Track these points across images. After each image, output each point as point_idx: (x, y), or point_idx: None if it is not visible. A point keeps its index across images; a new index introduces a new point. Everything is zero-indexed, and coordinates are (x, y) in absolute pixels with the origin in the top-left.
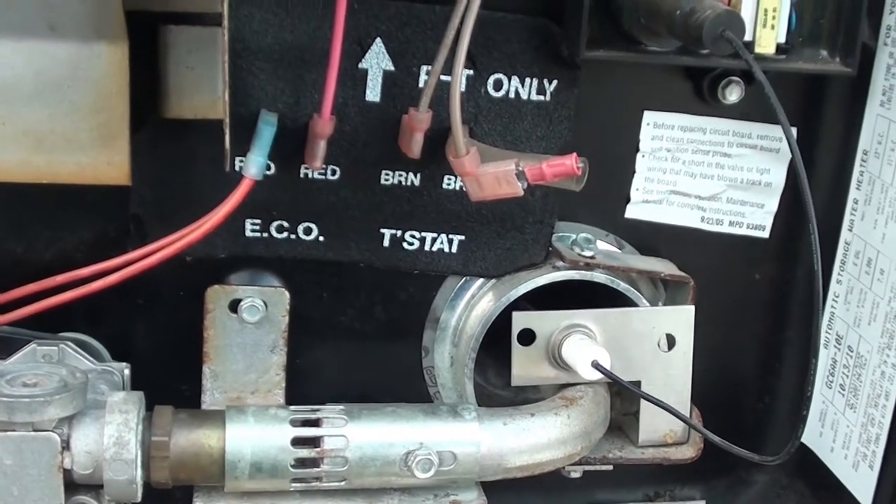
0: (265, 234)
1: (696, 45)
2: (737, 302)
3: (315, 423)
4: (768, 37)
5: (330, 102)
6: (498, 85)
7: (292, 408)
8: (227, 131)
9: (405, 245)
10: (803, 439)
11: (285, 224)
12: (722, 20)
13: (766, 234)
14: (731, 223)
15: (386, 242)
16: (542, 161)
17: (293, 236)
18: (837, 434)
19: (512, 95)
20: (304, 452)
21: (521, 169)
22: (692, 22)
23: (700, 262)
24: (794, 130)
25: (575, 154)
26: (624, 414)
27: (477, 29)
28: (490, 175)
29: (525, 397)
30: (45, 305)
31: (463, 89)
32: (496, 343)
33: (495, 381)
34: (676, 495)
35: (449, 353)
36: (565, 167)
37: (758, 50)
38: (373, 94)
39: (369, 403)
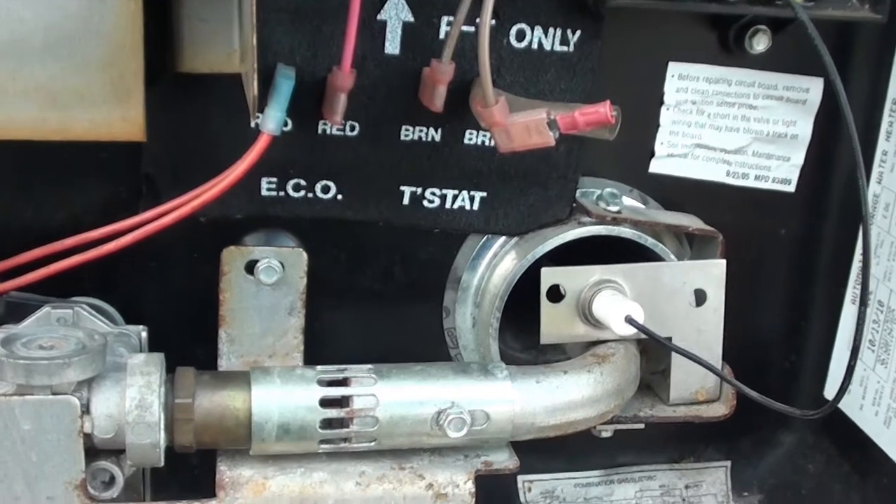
0: (282, 193)
1: None
2: (762, 258)
3: (343, 382)
4: None
5: (350, 54)
6: (521, 35)
7: (319, 368)
8: (255, 78)
9: (425, 203)
10: (830, 397)
11: (302, 182)
12: None
13: (791, 189)
14: (756, 177)
15: (406, 200)
16: (574, 109)
17: (310, 195)
18: (867, 391)
19: (535, 46)
20: (333, 413)
21: (552, 118)
22: None
23: (725, 218)
24: (821, 81)
25: (608, 101)
26: (651, 373)
27: None
28: (520, 125)
29: (546, 360)
30: (55, 269)
31: None
32: (513, 305)
33: (514, 345)
34: (701, 457)
35: (471, 314)
36: (599, 115)
37: None
38: (392, 46)
39: (396, 363)
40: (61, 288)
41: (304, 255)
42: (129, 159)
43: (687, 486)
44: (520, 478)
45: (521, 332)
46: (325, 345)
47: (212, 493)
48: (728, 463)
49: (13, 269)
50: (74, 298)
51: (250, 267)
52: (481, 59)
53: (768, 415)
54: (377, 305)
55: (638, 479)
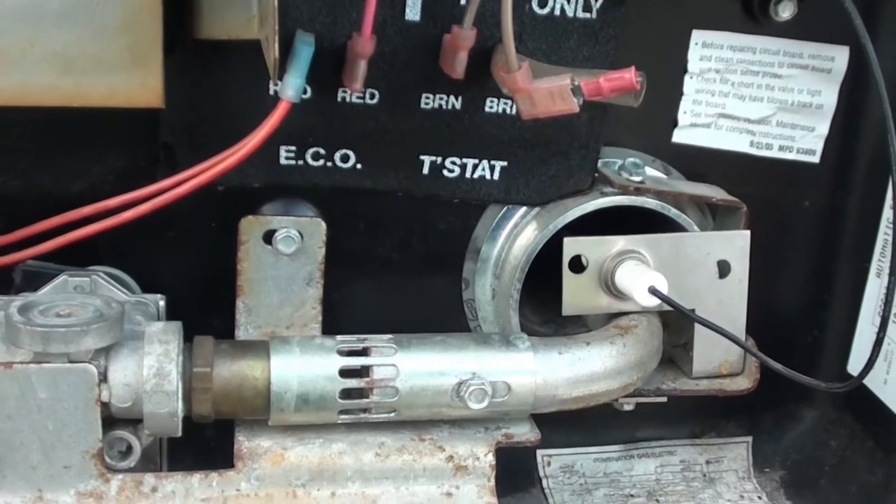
0: (300, 162)
1: None
2: (785, 230)
3: (363, 352)
4: None
5: (371, 19)
6: (543, 1)
7: (339, 337)
8: (276, 40)
9: (445, 172)
10: (854, 372)
11: (321, 151)
12: None
13: (816, 160)
14: (780, 147)
15: (425, 169)
16: (599, 75)
17: (329, 164)
18: (891, 366)
19: (557, 13)
20: (353, 383)
21: (576, 83)
22: None
23: (748, 189)
24: (847, 50)
25: (633, 67)
26: (673, 346)
27: None
28: (544, 90)
29: (565, 333)
30: (72, 237)
31: None
32: (533, 277)
33: (533, 318)
34: (722, 432)
35: (490, 286)
36: (624, 81)
37: None
38: (412, 12)
39: (416, 333)
40: (78, 257)
41: (323, 225)
42: (147, 127)
43: (708, 462)
44: (539, 452)
45: (540, 304)
46: (342, 315)
47: (227, 464)
48: (749, 438)
49: (30, 238)
50: (91, 267)
51: (268, 236)
52: (504, 25)
53: (790, 390)
54: (396, 276)
55: (658, 454)
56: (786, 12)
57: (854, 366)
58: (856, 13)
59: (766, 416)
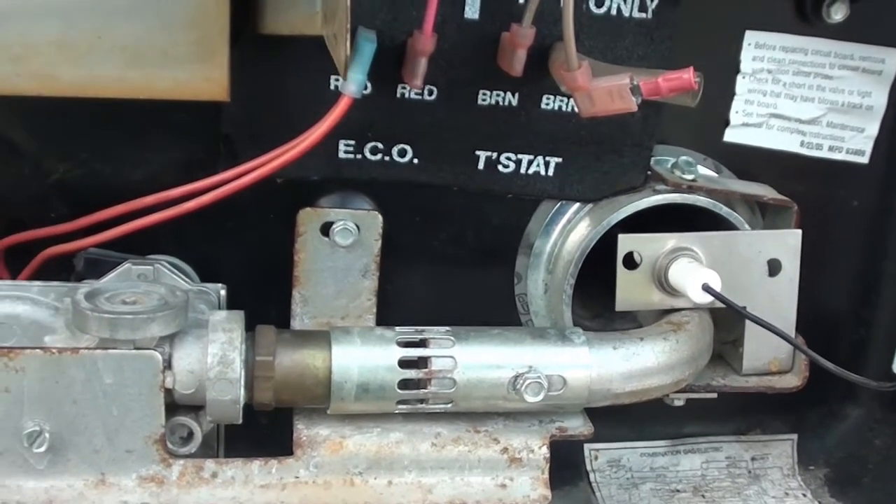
0: (359, 156)
1: None
2: (834, 229)
3: (422, 343)
4: None
5: (432, 17)
6: (600, 1)
7: (398, 329)
8: (347, 38)
9: (500, 168)
10: None
11: (380, 145)
12: None
13: (865, 160)
14: (830, 148)
15: (481, 165)
16: (657, 75)
17: (387, 158)
18: None
19: (614, 12)
20: (412, 373)
21: (635, 83)
22: None
23: (797, 188)
24: None
25: (692, 67)
26: (723, 343)
27: None
28: (603, 89)
29: (614, 328)
30: (134, 226)
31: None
32: (583, 272)
33: (581, 312)
34: (768, 429)
35: (543, 280)
36: (683, 81)
37: None
38: (472, 10)
39: (473, 326)
40: (138, 246)
41: (380, 218)
42: (208, 119)
43: (753, 458)
44: (586, 446)
45: (589, 299)
46: (396, 307)
47: (281, 451)
48: (794, 436)
49: (92, 226)
50: (151, 256)
51: (325, 228)
52: (565, 23)
53: (836, 388)
54: (449, 269)
55: (704, 449)
56: (838, 14)
57: None
58: None
59: (812, 413)
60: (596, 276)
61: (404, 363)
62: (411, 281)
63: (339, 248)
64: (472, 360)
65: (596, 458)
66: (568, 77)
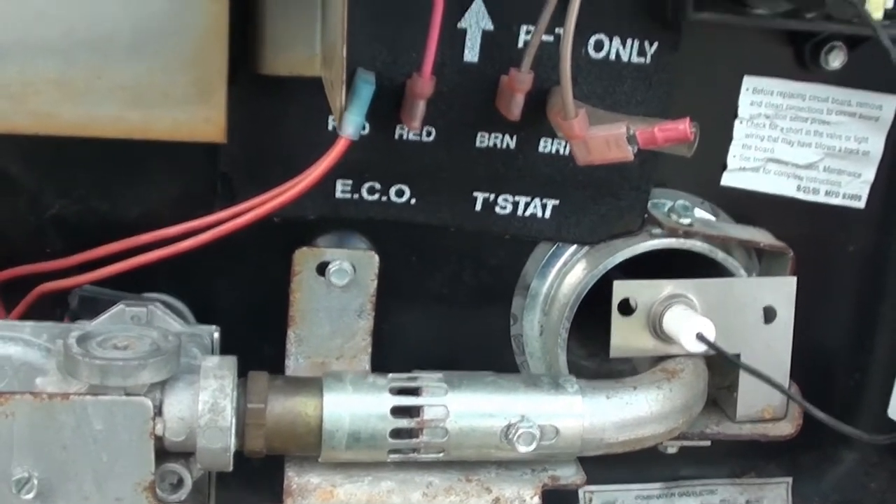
0: (356, 196)
1: (814, 8)
2: (830, 274)
3: (414, 391)
4: (877, 1)
5: (431, 61)
6: (599, 46)
7: (390, 375)
8: (343, 90)
9: (497, 209)
10: (894, 415)
11: (377, 186)
12: None
13: (861, 205)
14: (827, 192)
15: (478, 206)
16: (654, 125)
17: (384, 198)
18: None
19: (612, 57)
20: (404, 422)
21: (632, 132)
22: None
23: (794, 232)
24: (894, 98)
25: (688, 118)
26: (718, 387)
27: None
28: (600, 138)
29: (609, 368)
30: (131, 264)
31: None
32: (579, 312)
33: (578, 352)
34: (763, 472)
35: (539, 322)
36: (679, 132)
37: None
38: (471, 53)
39: (465, 371)
40: (134, 283)
41: (376, 258)
42: (206, 157)
43: (748, 502)
44: (580, 488)
45: (586, 338)
46: (393, 346)
47: (272, 495)
48: (790, 479)
49: (88, 263)
50: (147, 294)
51: (322, 268)
52: (563, 72)
53: (831, 431)
54: (445, 309)
55: (699, 492)
56: (836, 61)
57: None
58: None
59: (807, 457)
60: (593, 314)
61: (396, 411)
62: (407, 320)
63: (335, 288)
64: (465, 408)
65: (590, 500)
66: (565, 125)
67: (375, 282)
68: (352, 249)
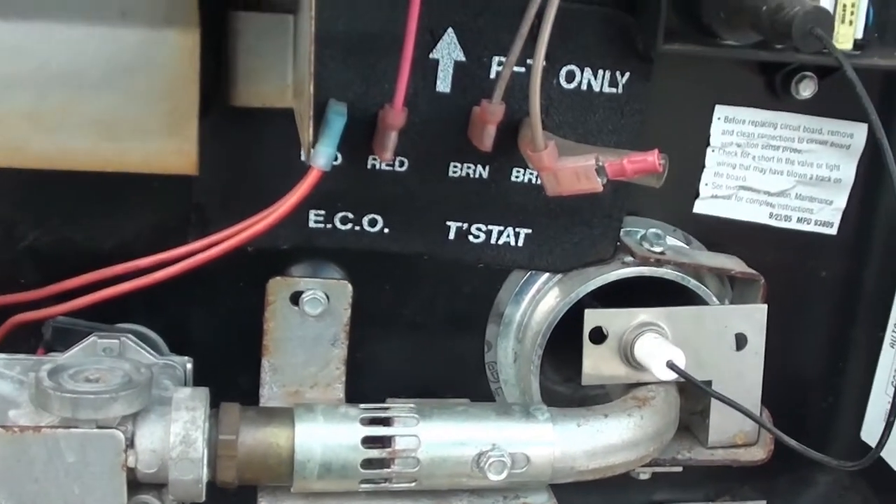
0: (329, 226)
1: (782, 41)
2: (803, 300)
3: (385, 421)
4: (846, 32)
5: (402, 93)
6: (570, 77)
7: (362, 406)
8: (311, 117)
9: (471, 238)
10: (868, 440)
11: (350, 215)
12: (811, 17)
13: (833, 231)
14: (799, 220)
15: (451, 235)
16: (623, 156)
17: (357, 228)
18: None
19: (584, 87)
20: (375, 453)
21: (601, 164)
22: (780, 18)
23: (766, 259)
24: (866, 127)
25: (657, 150)
26: (690, 413)
27: None
28: (569, 170)
29: (584, 394)
30: (104, 295)
31: None
32: (554, 337)
33: (553, 377)
34: (737, 495)
35: (513, 349)
36: (647, 163)
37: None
38: (443, 84)
39: (437, 399)
40: (107, 313)
41: (349, 288)
42: (179, 188)
43: None
44: None
45: (560, 364)
46: (367, 375)
47: None
48: (764, 502)
49: (62, 294)
50: (120, 325)
51: (295, 298)
52: (532, 105)
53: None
54: (420, 337)
55: None
56: (806, 91)
57: (868, 433)
58: (867, 99)
59: (781, 480)
60: (567, 340)
61: (368, 441)
62: (382, 349)
63: (309, 317)
64: (436, 438)
65: None
66: (534, 157)
67: (349, 311)
68: (325, 279)
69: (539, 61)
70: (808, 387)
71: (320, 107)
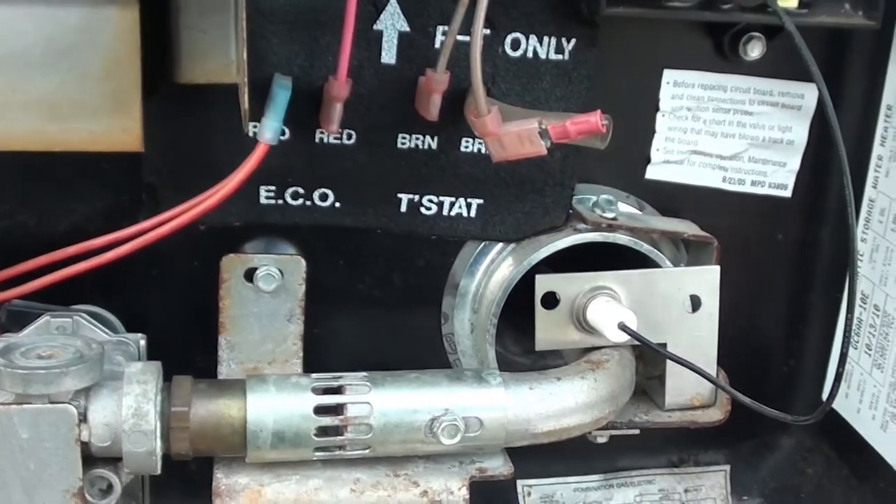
0: (280, 201)
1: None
2: (759, 263)
3: (337, 390)
4: None
5: (346, 65)
6: (516, 44)
7: (314, 375)
8: (246, 92)
9: (423, 210)
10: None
11: (300, 190)
12: None
13: (788, 194)
14: (752, 182)
15: (403, 207)
16: (566, 119)
17: (308, 202)
18: (864, 395)
19: (530, 55)
20: (328, 421)
21: (544, 127)
22: None
23: (722, 223)
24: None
25: (599, 111)
26: (647, 378)
27: None
28: (513, 134)
29: (544, 364)
30: (57, 277)
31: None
32: (513, 309)
33: (513, 349)
34: (700, 460)
35: (469, 320)
36: (590, 124)
37: (781, 3)
38: (388, 55)
39: (391, 371)
40: (63, 296)
41: (303, 263)
42: (131, 168)
43: (686, 490)
44: (519, 482)
45: (520, 335)
46: (324, 351)
47: (210, 501)
48: (727, 467)
49: (15, 278)
50: (75, 306)
51: (249, 274)
52: (473, 71)
53: (767, 418)
54: (376, 311)
55: (637, 483)
56: (755, 52)
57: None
58: (811, 59)
59: (744, 444)
60: (526, 312)
61: (320, 410)
62: (339, 324)
63: (264, 294)
64: (389, 405)
65: (529, 493)
66: (478, 123)
67: (304, 286)
68: (279, 255)
69: (479, 27)
70: (768, 351)
71: (265, 81)
